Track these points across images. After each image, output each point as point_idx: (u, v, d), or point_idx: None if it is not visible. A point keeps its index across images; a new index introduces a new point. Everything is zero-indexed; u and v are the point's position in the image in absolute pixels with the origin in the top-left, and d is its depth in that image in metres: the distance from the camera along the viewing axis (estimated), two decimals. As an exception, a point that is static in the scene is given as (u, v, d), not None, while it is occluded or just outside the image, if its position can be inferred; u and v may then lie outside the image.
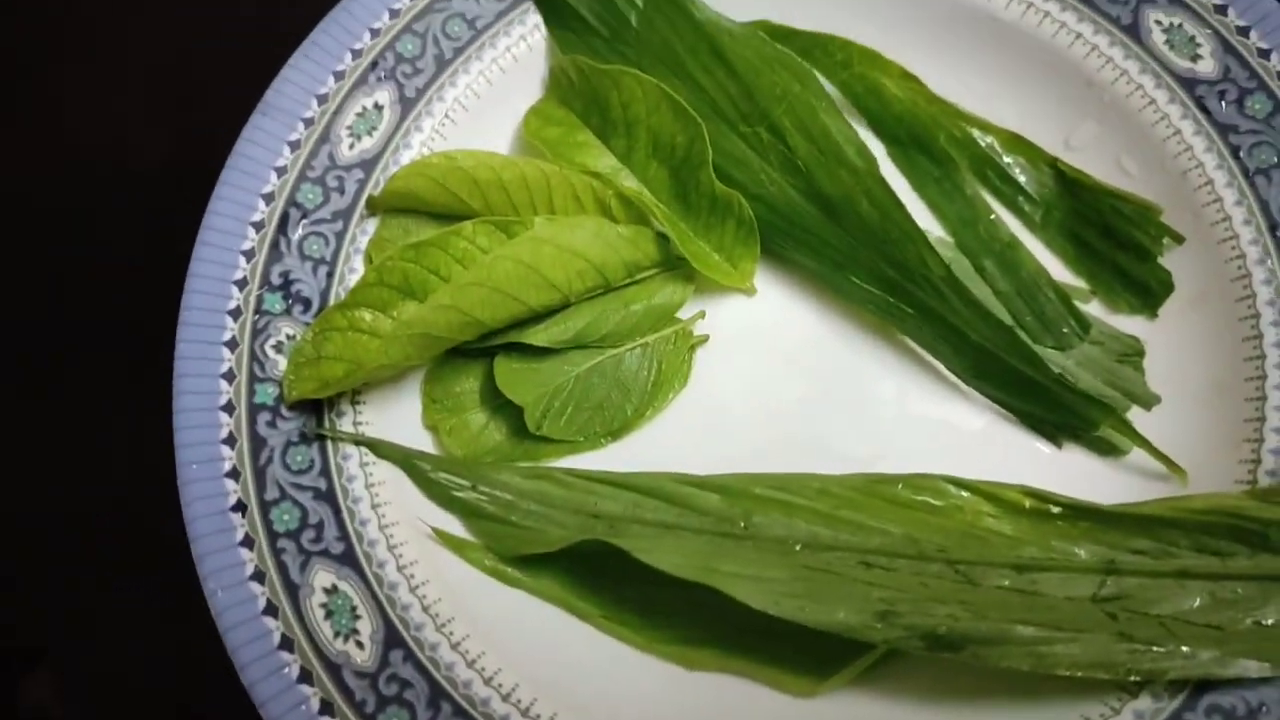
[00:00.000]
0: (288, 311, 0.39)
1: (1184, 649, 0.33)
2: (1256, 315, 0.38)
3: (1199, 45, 0.41)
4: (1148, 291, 0.41)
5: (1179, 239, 0.41)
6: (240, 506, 0.37)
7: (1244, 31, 0.41)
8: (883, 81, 0.43)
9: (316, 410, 0.39)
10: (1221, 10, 0.41)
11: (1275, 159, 0.40)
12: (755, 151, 0.41)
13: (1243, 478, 0.37)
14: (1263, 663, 0.33)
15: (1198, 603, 0.35)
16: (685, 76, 0.42)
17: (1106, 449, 0.40)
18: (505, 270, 0.37)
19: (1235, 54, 0.41)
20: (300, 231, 0.40)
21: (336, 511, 0.37)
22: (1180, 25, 0.42)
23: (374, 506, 0.38)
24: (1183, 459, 0.38)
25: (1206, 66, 0.41)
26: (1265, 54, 0.41)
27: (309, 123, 0.41)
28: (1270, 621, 0.34)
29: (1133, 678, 0.33)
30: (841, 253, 0.41)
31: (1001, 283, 0.42)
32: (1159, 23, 0.42)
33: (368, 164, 0.42)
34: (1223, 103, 0.41)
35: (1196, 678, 0.33)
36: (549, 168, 0.40)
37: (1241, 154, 0.40)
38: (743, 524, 0.38)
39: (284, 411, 0.38)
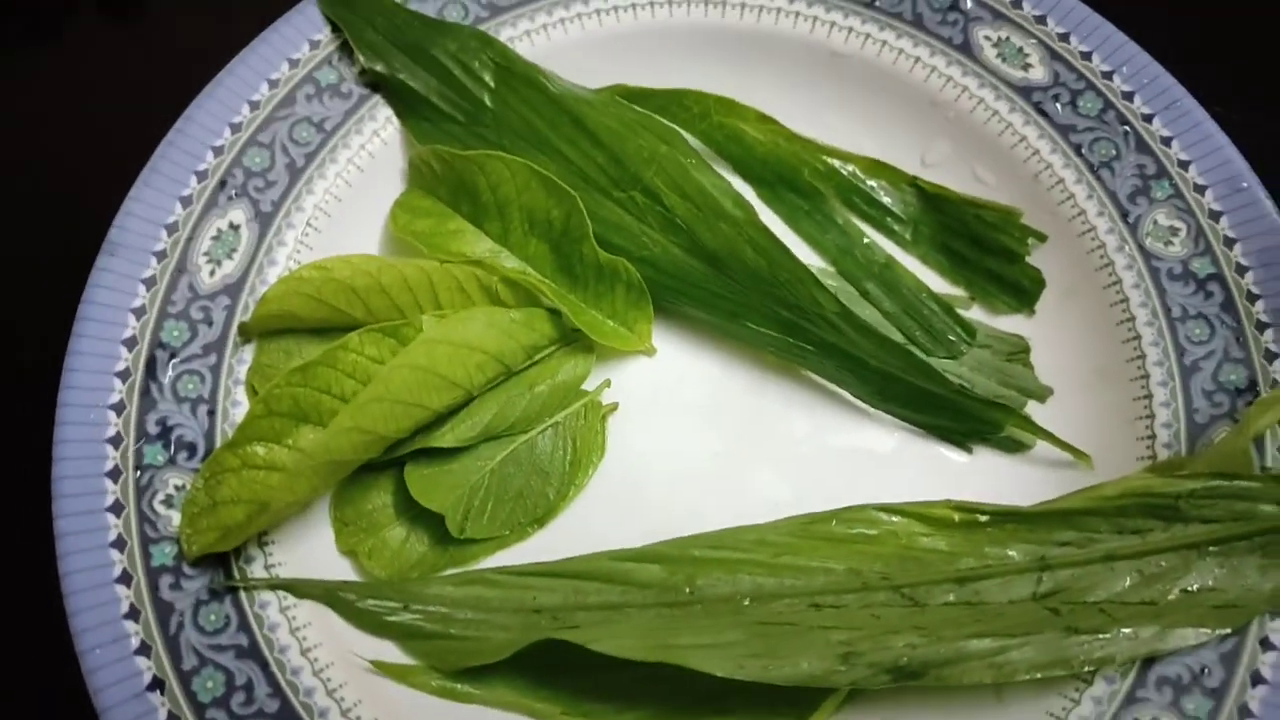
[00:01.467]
0: (172, 461, 0.37)
1: (1126, 630, 0.34)
2: (1125, 299, 0.41)
3: (1028, 55, 0.44)
4: (1022, 290, 0.43)
5: (1042, 238, 0.43)
6: (157, 684, 0.33)
7: (1065, 38, 0.43)
8: (741, 127, 0.44)
9: (223, 562, 0.36)
10: (1041, 20, 0.44)
11: (1114, 152, 0.42)
12: (633, 215, 0.41)
13: (1143, 454, 0.39)
14: (1198, 628, 0.35)
15: (1128, 583, 0.36)
16: (550, 151, 0.42)
17: (1013, 446, 0.41)
18: (402, 379, 0.36)
19: (1061, 59, 0.43)
20: (171, 373, 0.38)
21: (264, 666, 0.35)
22: (1008, 38, 0.44)
23: (304, 652, 0.35)
24: (1084, 444, 0.40)
25: (1038, 74, 0.43)
26: (1087, 56, 0.43)
27: (161, 255, 0.39)
28: (1195, 588, 0.36)
29: (1087, 669, 0.35)
30: (733, 302, 0.41)
31: (886, 303, 0.43)
32: (988, 38, 0.44)
33: (233, 289, 0.39)
34: (1058, 105, 0.43)
35: (1143, 656, 0.35)
36: (429, 264, 0.39)
37: (1084, 151, 0.42)
38: (688, 589, 0.37)
39: (186, 570, 0.35)
